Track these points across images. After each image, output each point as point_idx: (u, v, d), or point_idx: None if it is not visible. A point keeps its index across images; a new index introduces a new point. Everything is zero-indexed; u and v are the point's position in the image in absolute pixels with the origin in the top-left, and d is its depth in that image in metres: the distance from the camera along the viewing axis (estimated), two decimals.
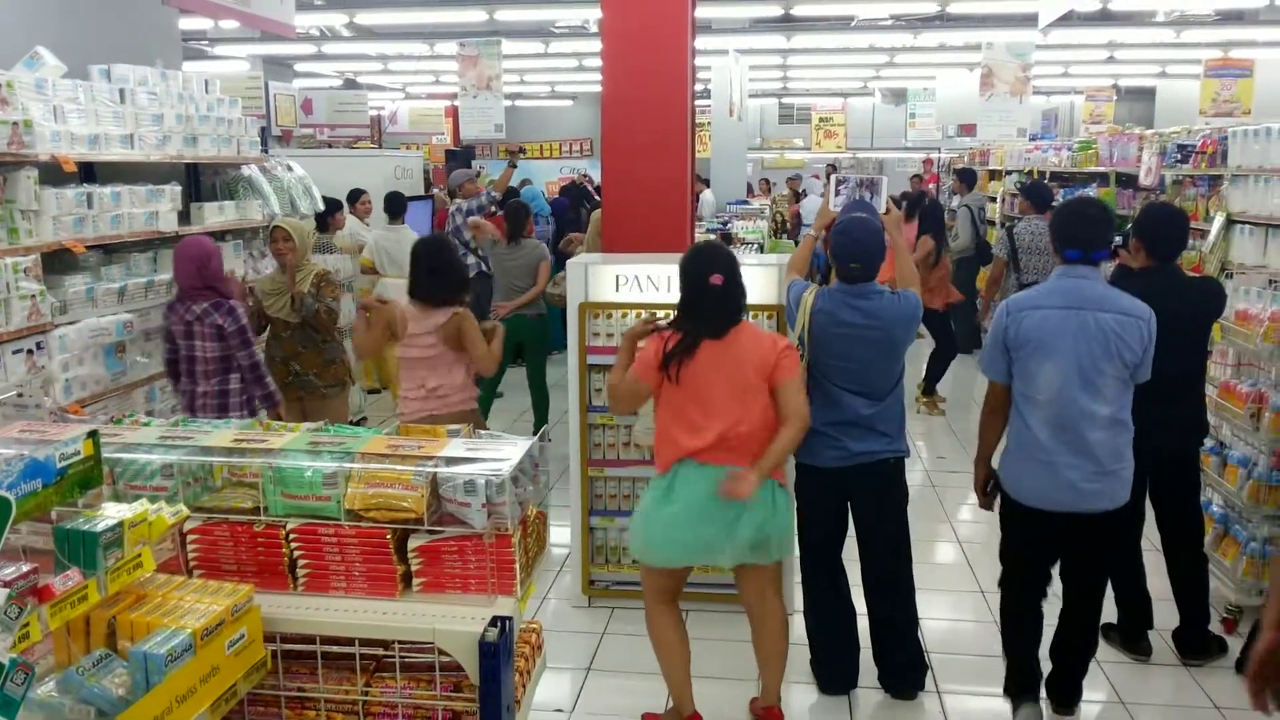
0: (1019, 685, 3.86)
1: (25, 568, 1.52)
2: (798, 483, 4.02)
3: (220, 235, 6.23)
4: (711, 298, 3.47)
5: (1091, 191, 9.29)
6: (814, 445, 3.84)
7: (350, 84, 19.05)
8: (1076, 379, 3.53)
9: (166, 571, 1.87)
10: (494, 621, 1.93)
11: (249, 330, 5.01)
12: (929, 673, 4.18)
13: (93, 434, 1.81)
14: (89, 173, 5.27)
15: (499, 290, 7.53)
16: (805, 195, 17.90)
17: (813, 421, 3.71)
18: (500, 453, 2.05)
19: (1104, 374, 3.54)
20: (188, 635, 1.66)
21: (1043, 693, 3.89)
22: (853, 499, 3.94)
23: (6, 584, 1.41)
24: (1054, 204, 7.94)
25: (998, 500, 3.86)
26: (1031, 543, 3.78)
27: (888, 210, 4.14)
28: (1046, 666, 3.95)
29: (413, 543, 1.98)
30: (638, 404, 3.68)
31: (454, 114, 17.71)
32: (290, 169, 7.35)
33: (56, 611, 1.52)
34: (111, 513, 1.71)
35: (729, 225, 10.36)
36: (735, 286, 3.55)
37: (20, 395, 2.23)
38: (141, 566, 1.74)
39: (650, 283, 4.79)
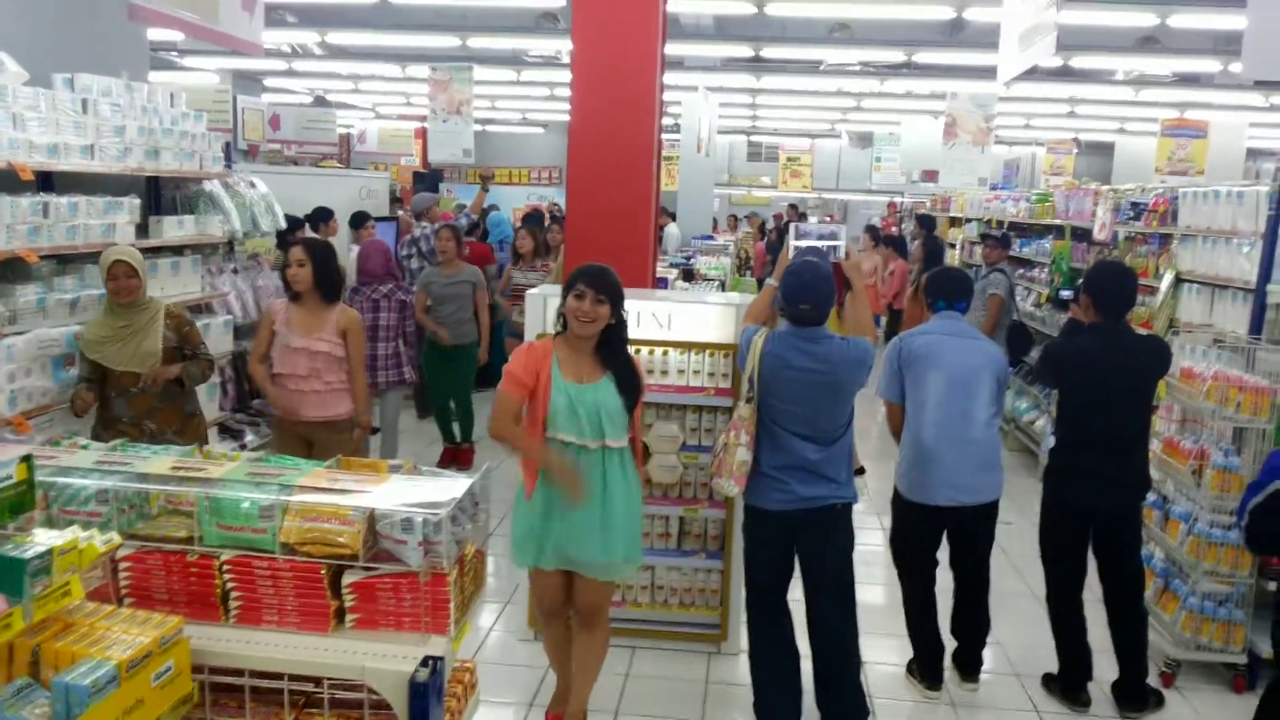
0: (927, 665, 4.54)
1: None
2: (745, 524, 4.08)
3: (179, 250, 6.18)
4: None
5: (1047, 244, 9.47)
6: (761, 488, 3.89)
7: (320, 101, 19.00)
8: (959, 385, 4.26)
9: (96, 599, 1.85)
10: (425, 661, 1.92)
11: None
12: (871, 718, 4.19)
13: (26, 458, 1.78)
14: (46, 182, 5.21)
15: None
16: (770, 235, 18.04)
17: (761, 465, 3.88)
18: (440, 490, 2.05)
19: (982, 382, 4.28)
20: (113, 666, 1.63)
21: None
22: (799, 543, 3.95)
23: None
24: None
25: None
26: (923, 536, 4.47)
27: (847, 255, 4.21)
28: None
29: (347, 579, 1.96)
30: None
31: (423, 135, 17.70)
32: (254, 185, 7.30)
33: None
34: (41, 539, 1.68)
35: (692, 260, 10.41)
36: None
37: None
38: (70, 594, 1.71)
39: None
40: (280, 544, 1.94)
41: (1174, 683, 4.68)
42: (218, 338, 6.37)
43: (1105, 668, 4.49)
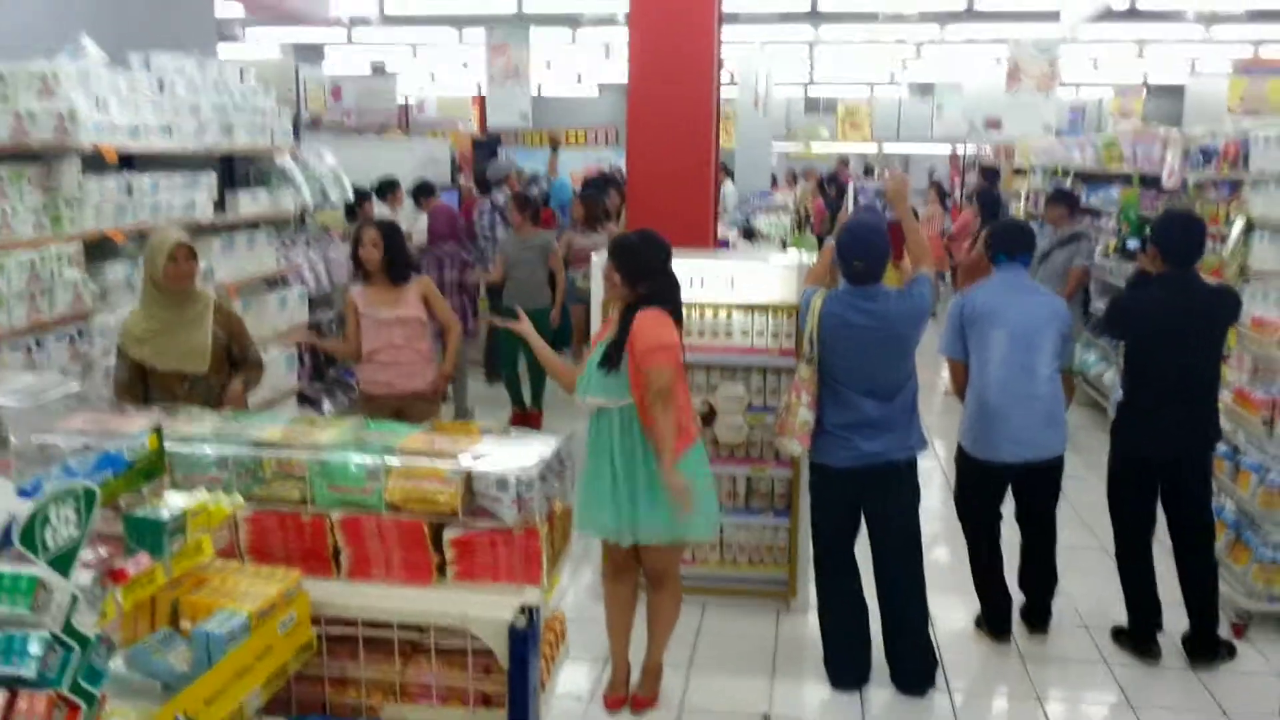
0: (994, 618, 4.59)
1: (103, 552, 1.68)
2: (811, 482, 4.20)
3: (254, 224, 6.40)
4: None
5: (1114, 192, 9.32)
6: (826, 445, 4.00)
7: (379, 70, 19.18)
8: (1022, 341, 4.28)
9: (222, 557, 2.02)
10: (522, 609, 2.07)
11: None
12: (940, 670, 4.29)
13: (157, 429, 1.96)
14: (127, 162, 5.43)
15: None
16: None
17: (825, 422, 3.98)
18: (530, 450, 2.19)
19: (1045, 336, 4.31)
20: (245, 616, 1.81)
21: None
22: (864, 498, 4.05)
23: (91, 567, 1.56)
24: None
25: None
26: (988, 492, 4.53)
27: (887, 188, 4.34)
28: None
29: (448, 534, 2.12)
30: None
31: (481, 102, 17.81)
32: (322, 158, 7.50)
33: (128, 592, 1.67)
34: (175, 502, 1.86)
35: (752, 219, 10.44)
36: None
37: (80, 387, 2.39)
38: (202, 552, 1.89)
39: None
40: (385, 503, 2.10)
41: (1245, 634, 4.70)
42: (293, 309, 6.61)
43: (1176, 620, 4.52)
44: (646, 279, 3.64)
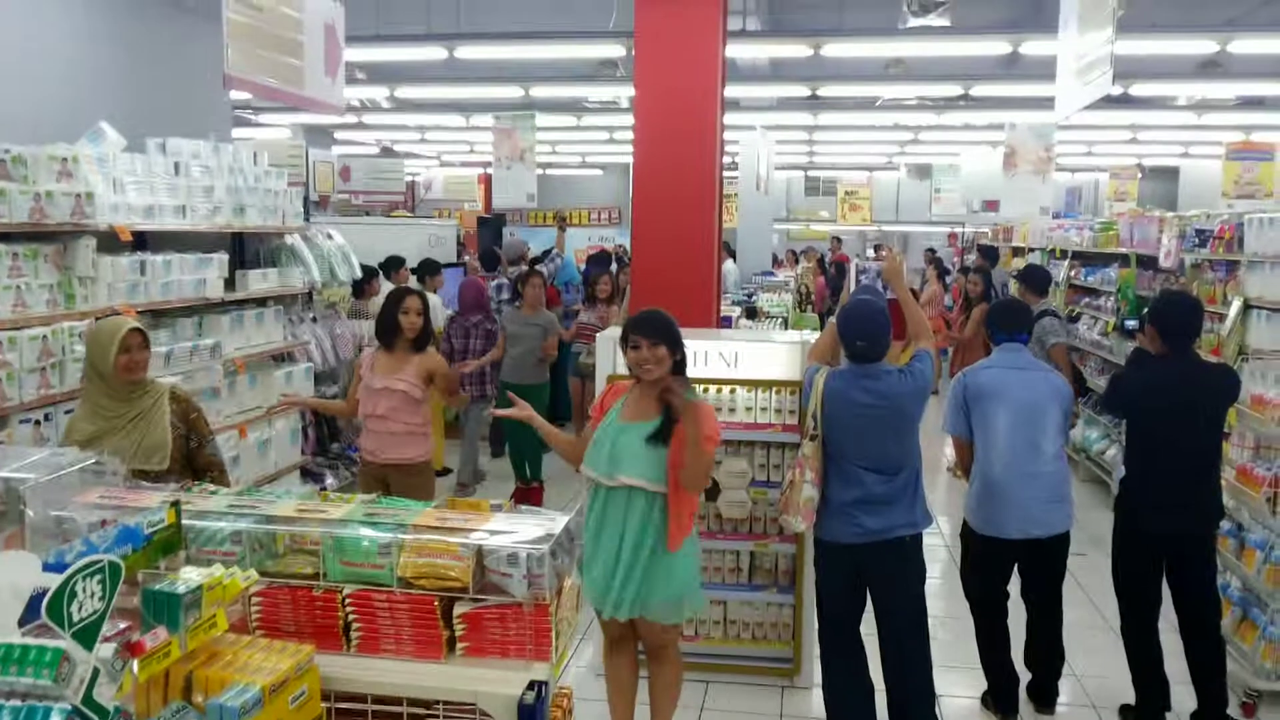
0: (1001, 696, 4.58)
1: (121, 625, 1.70)
2: (816, 558, 4.20)
3: (262, 301, 6.51)
4: None
5: (1112, 273, 9.45)
6: (830, 522, 4.02)
7: (388, 151, 19.58)
8: (1026, 418, 4.32)
9: (234, 631, 2.04)
10: (531, 685, 2.08)
11: None
12: None
13: (175, 504, 2.00)
14: (140, 240, 5.55)
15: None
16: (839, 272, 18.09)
17: (829, 499, 4.01)
18: (540, 527, 2.22)
19: (1048, 414, 4.35)
20: (258, 690, 1.82)
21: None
22: (869, 575, 4.05)
23: (110, 640, 1.59)
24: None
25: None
26: (994, 569, 4.53)
27: (886, 267, 4.43)
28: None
29: (458, 609, 2.14)
30: None
31: (487, 181, 18.14)
32: (330, 237, 7.65)
33: (144, 666, 1.70)
34: (191, 576, 1.88)
35: (754, 298, 10.56)
36: None
37: (98, 462, 2.43)
38: (216, 626, 1.91)
39: None
40: (397, 578, 2.13)
41: (1255, 714, 4.66)
42: (299, 384, 6.68)
43: (1184, 698, 4.50)
44: (681, 347, 3.75)
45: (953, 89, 11.89)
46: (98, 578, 1.54)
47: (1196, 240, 7.40)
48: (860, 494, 3.94)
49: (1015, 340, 4.57)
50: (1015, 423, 4.33)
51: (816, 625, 4.30)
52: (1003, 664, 4.59)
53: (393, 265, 9.34)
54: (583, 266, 11.66)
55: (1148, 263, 8.61)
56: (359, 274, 7.95)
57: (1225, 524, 4.91)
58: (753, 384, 4.94)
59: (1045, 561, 4.50)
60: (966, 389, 4.46)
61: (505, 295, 9.11)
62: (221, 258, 5.97)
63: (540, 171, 16.34)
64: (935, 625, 4.32)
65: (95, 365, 3.77)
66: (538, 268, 9.42)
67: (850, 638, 4.16)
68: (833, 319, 4.36)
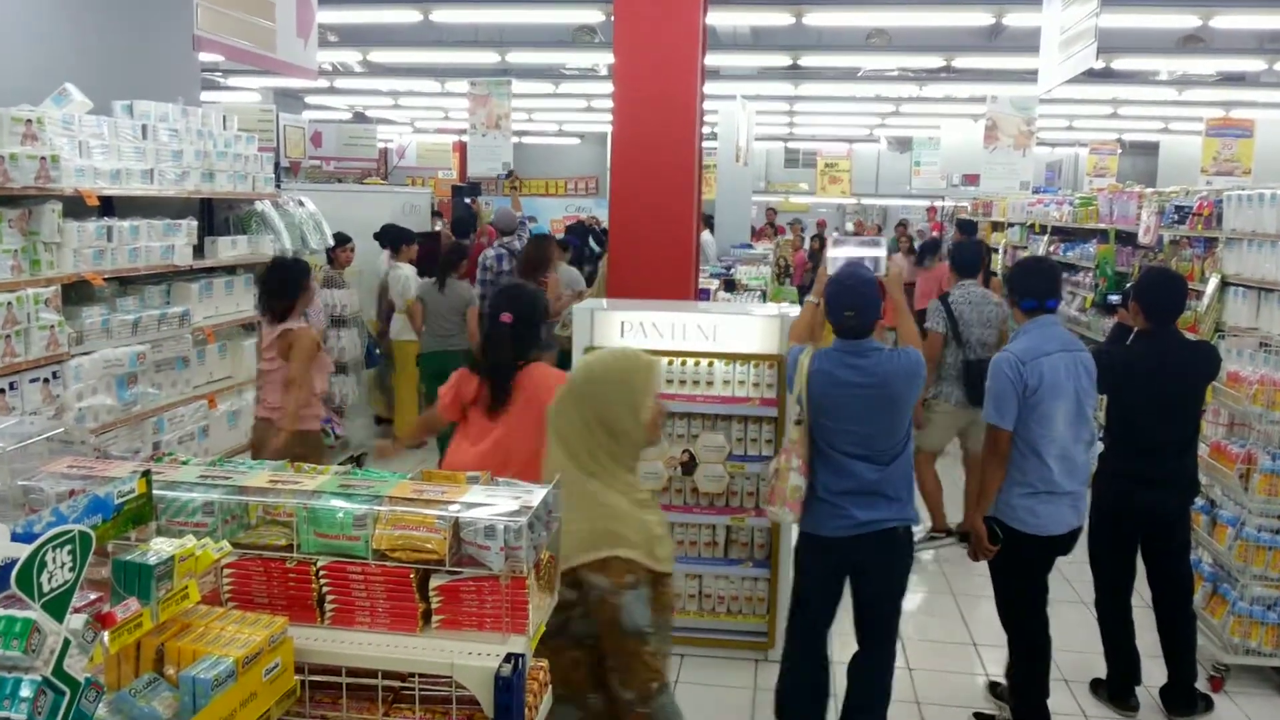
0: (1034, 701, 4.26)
1: (92, 596, 1.70)
2: (799, 550, 3.99)
3: (231, 270, 6.44)
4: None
5: (1091, 248, 9.53)
6: (817, 514, 3.78)
7: (360, 117, 19.38)
8: (1074, 413, 4.05)
9: (206, 603, 2.04)
10: (508, 658, 2.08)
11: None
12: None
13: (146, 473, 1.98)
14: (108, 206, 5.48)
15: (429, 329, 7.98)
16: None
17: (817, 489, 3.78)
18: (518, 499, 2.22)
19: (1088, 404, 4.08)
20: (231, 662, 1.82)
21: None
22: (857, 569, 3.83)
23: (81, 610, 1.58)
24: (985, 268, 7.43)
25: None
26: (1042, 569, 4.22)
27: (887, 272, 4.21)
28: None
29: (434, 582, 2.13)
30: None
31: (461, 149, 18.00)
32: (302, 204, 7.57)
33: (116, 637, 1.69)
34: (163, 547, 1.87)
35: (732, 270, 10.56)
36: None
37: (66, 430, 2.40)
38: (188, 598, 1.90)
39: (655, 329, 4.99)
40: (372, 550, 2.12)
41: (1223, 687, 4.77)
42: None
43: (1154, 672, 4.59)
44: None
45: (934, 60, 11.90)
46: (68, 548, 1.53)
47: (1175, 217, 7.48)
48: (849, 484, 3.70)
49: (1046, 309, 4.19)
50: (1072, 420, 4.07)
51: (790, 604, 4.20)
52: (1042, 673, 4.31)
53: (393, 237, 9.16)
54: (560, 238, 11.57)
55: (1127, 238, 8.69)
56: (331, 241, 7.87)
57: (1198, 500, 4.99)
58: (730, 357, 4.96)
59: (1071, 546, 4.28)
60: (1027, 382, 4.01)
61: (505, 266, 9.01)
62: (190, 224, 5.90)
63: (516, 140, 16.23)
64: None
65: None
66: (511, 240, 9.33)
67: (820, 635, 3.96)
68: (811, 297, 4.22)
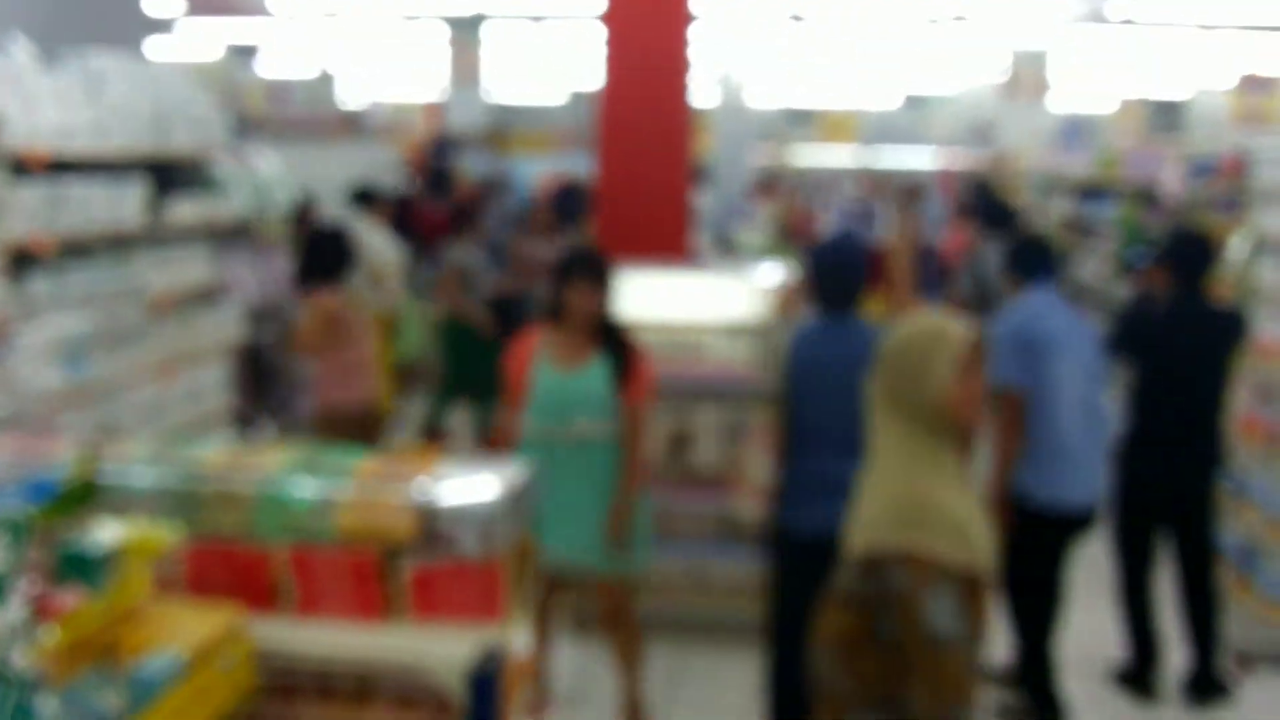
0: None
1: (35, 585, 1.68)
2: (776, 549, 3.93)
3: (190, 233, 6.38)
4: None
5: (1111, 208, 9.49)
6: (793, 510, 3.71)
7: (324, 73, 19.14)
8: (1086, 373, 4.10)
9: (159, 590, 2.03)
10: (483, 650, 2.09)
11: None
12: None
13: (89, 454, 1.97)
14: (56, 165, 5.39)
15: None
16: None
17: (792, 481, 3.73)
18: (495, 479, 2.21)
19: (1100, 363, 4.13)
20: (184, 656, 1.82)
21: None
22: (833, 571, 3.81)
23: (23, 601, 1.57)
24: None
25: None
26: (1054, 545, 4.17)
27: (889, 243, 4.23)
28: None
29: (403, 568, 2.13)
30: None
31: (432, 109, 17.81)
32: (265, 162, 7.49)
33: (62, 628, 1.68)
34: (111, 533, 1.86)
35: (731, 230, 10.52)
36: None
37: (8, 410, 2.39)
38: (140, 586, 1.90)
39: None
40: (335, 534, 2.12)
41: (1247, 670, 4.78)
42: (229, 324, 6.59)
43: (1176, 654, 4.61)
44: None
45: (949, 9, 11.79)
46: (6, 535, 1.52)
47: (1201, 174, 7.42)
48: (831, 477, 3.49)
49: (1047, 282, 4.30)
50: (1082, 379, 4.11)
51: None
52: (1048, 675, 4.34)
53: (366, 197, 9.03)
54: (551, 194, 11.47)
55: (1149, 198, 8.64)
56: (298, 200, 7.80)
57: (1224, 475, 4.98)
58: (721, 326, 4.92)
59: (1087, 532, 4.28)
60: (1034, 338, 4.06)
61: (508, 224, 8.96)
62: (143, 180, 5.82)
63: (493, 92, 16.06)
64: None
65: None
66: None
67: (800, 636, 3.83)
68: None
